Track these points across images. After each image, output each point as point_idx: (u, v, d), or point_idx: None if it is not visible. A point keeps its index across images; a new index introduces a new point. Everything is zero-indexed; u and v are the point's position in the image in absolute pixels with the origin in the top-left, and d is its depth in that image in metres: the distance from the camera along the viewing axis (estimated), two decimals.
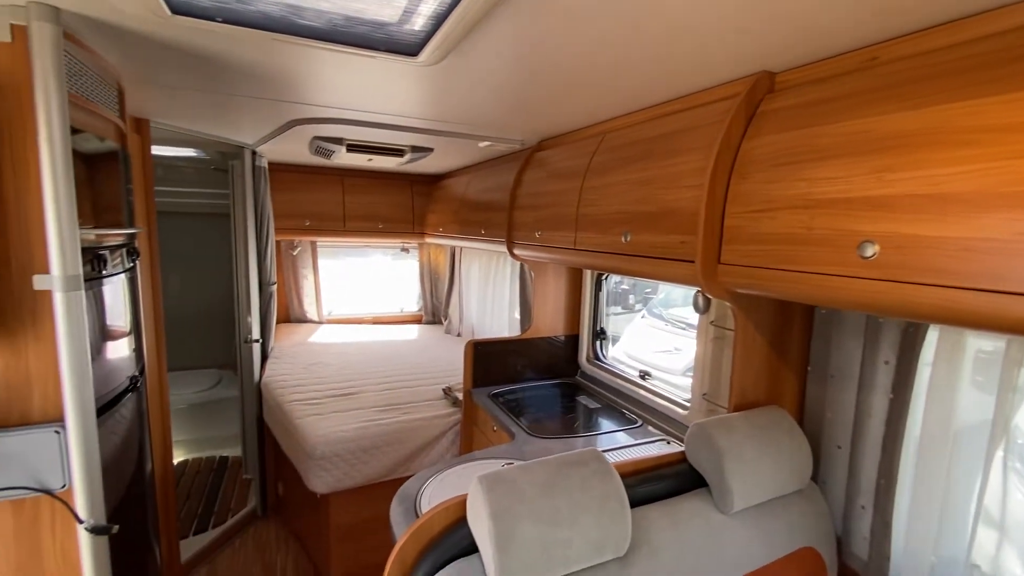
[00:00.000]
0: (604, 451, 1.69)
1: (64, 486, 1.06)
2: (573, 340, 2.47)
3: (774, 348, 1.34)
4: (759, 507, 1.17)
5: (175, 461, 3.35)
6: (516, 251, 2.18)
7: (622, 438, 1.81)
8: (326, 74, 1.37)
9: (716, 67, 1.18)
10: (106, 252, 1.25)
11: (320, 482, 2.07)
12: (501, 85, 1.40)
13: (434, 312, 4.40)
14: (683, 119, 1.35)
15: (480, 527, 0.89)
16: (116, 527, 1.10)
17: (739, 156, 1.16)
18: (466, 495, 0.99)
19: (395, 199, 3.74)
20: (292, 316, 4.00)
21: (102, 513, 1.09)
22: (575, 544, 0.91)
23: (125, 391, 1.36)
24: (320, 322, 4.06)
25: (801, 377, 1.38)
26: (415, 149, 2.49)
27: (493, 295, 3.34)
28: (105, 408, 1.23)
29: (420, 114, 1.80)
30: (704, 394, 1.69)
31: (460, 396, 2.45)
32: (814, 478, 1.31)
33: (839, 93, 1.01)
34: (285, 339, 3.53)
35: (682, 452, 1.22)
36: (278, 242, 3.75)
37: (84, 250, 1.12)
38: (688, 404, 1.79)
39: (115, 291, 1.35)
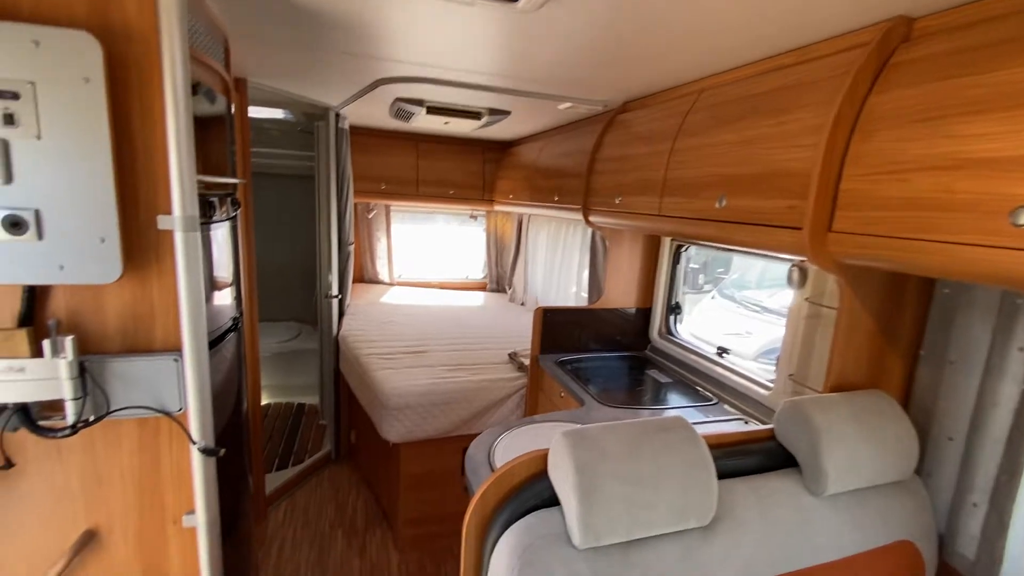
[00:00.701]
0: None
1: (180, 409, 1.17)
2: (644, 313, 2.40)
3: (881, 328, 1.22)
4: (853, 494, 1.09)
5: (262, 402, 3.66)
6: (592, 218, 2.12)
7: (696, 414, 1.75)
8: (421, 26, 1.36)
9: (841, 14, 1.06)
10: (215, 199, 1.33)
11: (393, 431, 2.17)
12: (595, 38, 1.34)
13: (498, 280, 4.43)
14: (796, 73, 1.24)
15: (563, 480, 0.89)
16: (223, 450, 1.20)
17: (863, 112, 1.04)
18: (547, 449, 0.99)
19: (466, 165, 3.75)
20: (365, 276, 4.18)
21: (211, 437, 1.20)
22: (658, 507, 0.90)
23: (228, 330, 1.47)
24: (391, 283, 4.21)
25: (909, 361, 1.26)
26: (492, 112, 2.47)
27: (560, 265, 3.31)
28: (214, 343, 1.34)
29: (505, 71, 1.77)
30: (791, 375, 1.59)
31: (526, 362, 2.47)
32: (917, 470, 1.20)
33: (996, 39, 0.87)
34: (359, 297, 3.70)
35: (770, 429, 1.16)
36: (355, 204, 3.90)
37: (198, 197, 1.20)
38: (771, 384, 1.70)
39: (221, 237, 1.45)
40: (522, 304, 3.93)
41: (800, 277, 1.54)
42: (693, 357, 2.09)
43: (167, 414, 1.16)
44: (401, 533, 2.35)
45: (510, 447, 1.39)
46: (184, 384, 1.15)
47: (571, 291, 3.22)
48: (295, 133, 3.78)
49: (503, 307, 3.87)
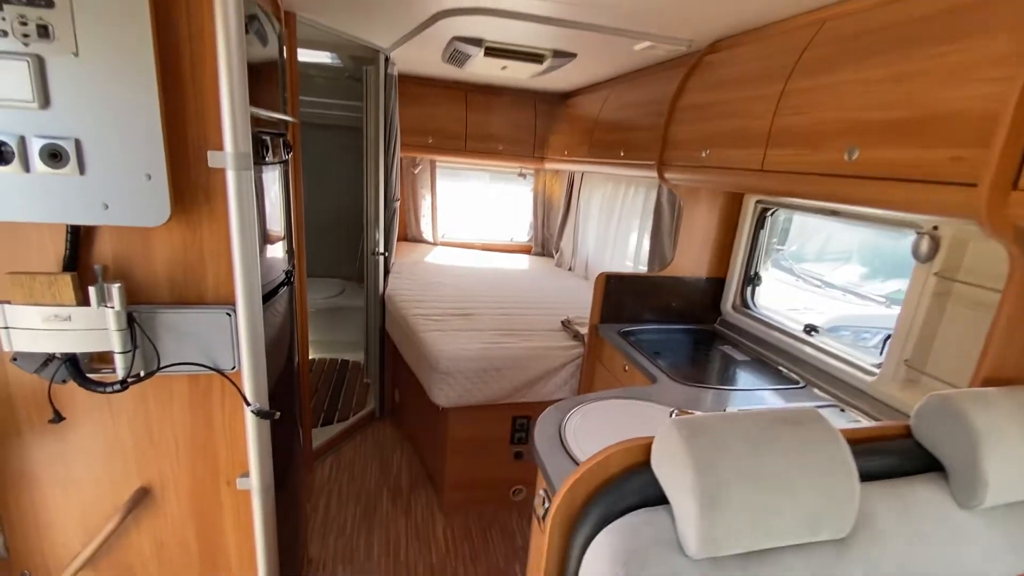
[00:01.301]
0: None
1: (234, 368, 1.08)
2: (716, 284, 2.19)
3: None
4: (1011, 508, 0.91)
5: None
6: (669, 175, 1.90)
7: (780, 398, 1.57)
8: None
9: None
10: (267, 139, 1.20)
11: (442, 395, 2.08)
12: None
13: (544, 244, 4.25)
14: None
15: (676, 477, 0.75)
16: (278, 413, 1.11)
17: None
18: (647, 438, 0.85)
19: (518, 119, 3.52)
20: (409, 235, 4.07)
21: (266, 398, 1.11)
22: (787, 515, 0.74)
23: (282, 284, 1.36)
24: (434, 243, 4.10)
25: None
26: (557, 54, 2.23)
27: (617, 228, 3.09)
28: (267, 297, 1.24)
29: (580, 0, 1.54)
30: (906, 360, 1.38)
31: (581, 330, 2.32)
32: None
33: None
34: (403, 256, 3.60)
35: (905, 425, 0.98)
36: (401, 159, 3.75)
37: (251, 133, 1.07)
38: (875, 370, 1.49)
39: (273, 181, 1.33)
40: (569, 269, 3.75)
41: (930, 248, 1.31)
42: (775, 334, 1.88)
43: (220, 372, 1.07)
44: (447, 497, 2.30)
45: (583, 425, 1.25)
46: (237, 341, 1.05)
47: (627, 257, 3.02)
48: (342, 81, 3.62)
49: (549, 272, 3.70)
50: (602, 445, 1.19)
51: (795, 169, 1.29)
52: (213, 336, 1.05)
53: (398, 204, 3.17)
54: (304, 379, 2.38)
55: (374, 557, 2.07)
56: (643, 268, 2.81)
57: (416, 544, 2.15)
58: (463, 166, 4.02)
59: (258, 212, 1.19)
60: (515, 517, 2.35)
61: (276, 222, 1.38)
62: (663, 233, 2.52)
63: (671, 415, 1.09)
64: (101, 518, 1.13)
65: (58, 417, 1.01)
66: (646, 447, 0.84)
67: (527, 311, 2.70)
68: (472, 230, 4.24)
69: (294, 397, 1.66)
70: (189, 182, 1.00)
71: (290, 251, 1.58)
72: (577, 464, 1.11)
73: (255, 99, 1.14)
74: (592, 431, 1.24)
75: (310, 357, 3.69)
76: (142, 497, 1.15)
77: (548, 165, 3.54)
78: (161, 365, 1.02)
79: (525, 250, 4.30)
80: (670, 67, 2.14)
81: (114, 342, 0.96)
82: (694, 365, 1.80)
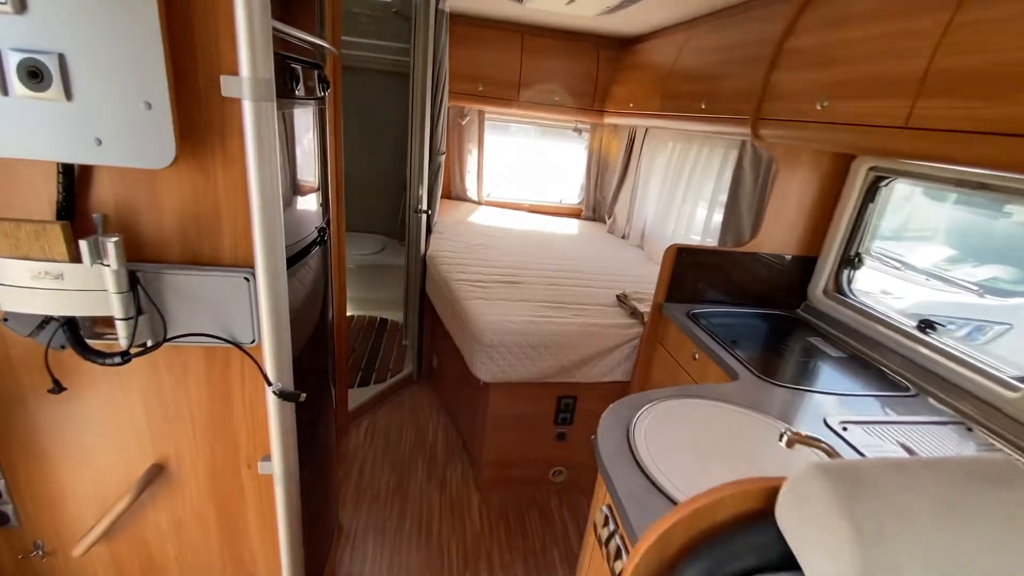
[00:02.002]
0: (863, 424, 1.24)
1: (253, 341, 0.92)
2: (804, 264, 1.89)
3: None
4: None
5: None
6: (766, 130, 1.60)
7: (885, 408, 1.32)
8: None
9: None
10: (298, 69, 0.99)
11: (484, 369, 1.92)
12: None
13: (595, 208, 3.96)
14: None
15: (824, 548, 0.54)
16: (303, 395, 0.96)
17: None
18: (770, 480, 0.64)
19: (577, 67, 3.18)
20: (453, 192, 3.86)
21: (290, 377, 0.95)
22: None
23: (315, 242, 1.19)
24: (479, 202, 3.87)
25: None
26: None
27: (684, 194, 2.78)
28: (298, 256, 1.07)
29: None
30: None
31: (639, 307, 2.08)
32: None
33: None
34: (446, 215, 3.41)
35: None
36: (448, 109, 3.50)
37: (276, 57, 0.87)
38: (1019, 384, 1.21)
39: (306, 122, 1.14)
40: (623, 237, 3.47)
41: None
42: (878, 328, 1.60)
43: (238, 345, 0.91)
44: (483, 473, 2.18)
45: (657, 431, 1.05)
46: (257, 310, 0.88)
47: (693, 229, 2.72)
48: (388, 19, 3.35)
49: (601, 238, 3.43)
50: (683, 461, 0.98)
51: (962, 127, 0.98)
52: (230, 303, 0.89)
53: (443, 158, 2.95)
54: (342, 340, 2.27)
55: (405, 530, 1.98)
56: (711, 241, 2.52)
57: (450, 520, 2.06)
58: (513, 119, 3.73)
59: (286, 157, 1.01)
60: (554, 499, 2.22)
61: (308, 170, 1.20)
62: (741, 203, 2.21)
63: (784, 438, 0.87)
64: (115, 493, 1.03)
65: (57, 387, 0.89)
66: (768, 492, 0.63)
67: (578, 281, 2.47)
68: (519, 190, 3.98)
69: (328, 359, 1.53)
70: (200, 116, 0.82)
71: (325, 204, 1.40)
72: (654, 484, 0.91)
73: (284, 15, 0.93)
74: (669, 441, 1.03)
75: (349, 314, 3.62)
76: (157, 474, 1.04)
77: (608, 120, 3.21)
78: (167, 336, 0.88)
79: (575, 213, 4.03)
80: (772, 1, 1.78)
81: (114, 306, 0.81)
82: (779, 359, 1.55)
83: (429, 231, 2.92)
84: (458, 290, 2.22)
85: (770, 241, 1.86)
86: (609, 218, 3.66)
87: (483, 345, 1.88)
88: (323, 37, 1.23)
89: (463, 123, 3.54)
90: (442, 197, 3.85)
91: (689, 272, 1.85)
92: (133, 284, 0.83)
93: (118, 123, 0.74)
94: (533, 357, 1.92)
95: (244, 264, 0.89)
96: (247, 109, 0.77)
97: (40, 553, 1.07)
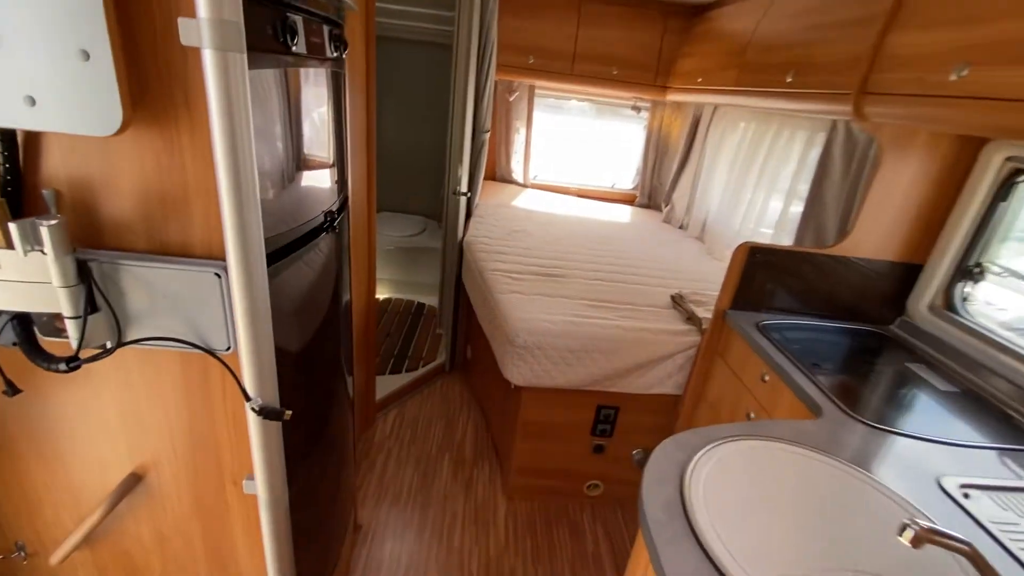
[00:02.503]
0: (991, 490, 0.96)
1: (229, 348, 0.77)
2: (905, 272, 1.57)
3: None
4: None
5: (380, 296, 3.52)
6: (873, 107, 1.29)
7: (1015, 466, 1.02)
8: None
9: None
10: (296, 19, 0.82)
11: (517, 373, 1.74)
12: None
13: (651, 194, 3.65)
14: None
15: None
16: (289, 412, 0.80)
17: None
18: None
19: (639, 37, 2.87)
20: (497, 174, 3.66)
21: (273, 390, 0.80)
22: None
23: (324, 225, 1.03)
24: (524, 185, 3.66)
25: None
26: None
27: (757, 183, 2.45)
28: (298, 243, 0.91)
29: None
30: None
31: (698, 311, 1.83)
32: None
33: None
34: (488, 198, 3.22)
35: None
36: (495, 83, 3.27)
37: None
38: None
39: (315, 86, 0.96)
40: (681, 227, 3.16)
41: None
42: (1002, 358, 1.28)
43: (211, 353, 0.76)
44: (511, 480, 2.02)
45: (720, 487, 0.83)
46: (232, 313, 0.73)
47: (764, 222, 2.39)
48: None
49: (656, 228, 3.14)
50: (756, 532, 0.76)
51: None
52: (201, 303, 0.74)
53: (487, 137, 2.75)
54: (371, 327, 2.16)
55: (426, 536, 1.86)
56: (787, 239, 2.20)
57: (473, 528, 1.91)
58: (566, 95, 3.46)
59: (286, 125, 0.84)
60: (587, 514, 2.03)
61: (317, 143, 1.03)
62: (826, 195, 1.89)
63: (907, 531, 0.63)
64: (92, 500, 0.93)
65: (11, 389, 0.77)
66: None
67: (628, 277, 2.23)
68: (567, 172, 3.73)
69: (342, 349, 1.38)
70: (158, 70, 0.66)
71: (341, 182, 1.24)
72: (716, 568, 0.70)
73: None
74: (736, 500, 0.81)
75: (386, 296, 3.53)
76: (134, 484, 0.92)
77: (672, 96, 2.89)
78: (126, 339, 0.74)
79: (628, 199, 3.73)
80: None
81: (61, 302, 0.68)
82: (871, 389, 1.27)
83: (469, 215, 2.74)
84: (493, 281, 2.03)
85: (865, 243, 1.55)
86: (666, 206, 3.35)
87: (516, 346, 1.70)
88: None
89: (511, 99, 3.31)
90: (484, 178, 3.66)
91: (761, 275, 1.57)
92: (85, 276, 0.69)
93: (52, 78, 0.59)
94: (572, 363, 1.72)
95: (218, 256, 0.74)
96: (208, 60, 0.60)
97: (22, 555, 0.99)
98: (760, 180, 2.42)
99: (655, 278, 2.25)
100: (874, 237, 1.54)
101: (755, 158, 2.45)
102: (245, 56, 0.62)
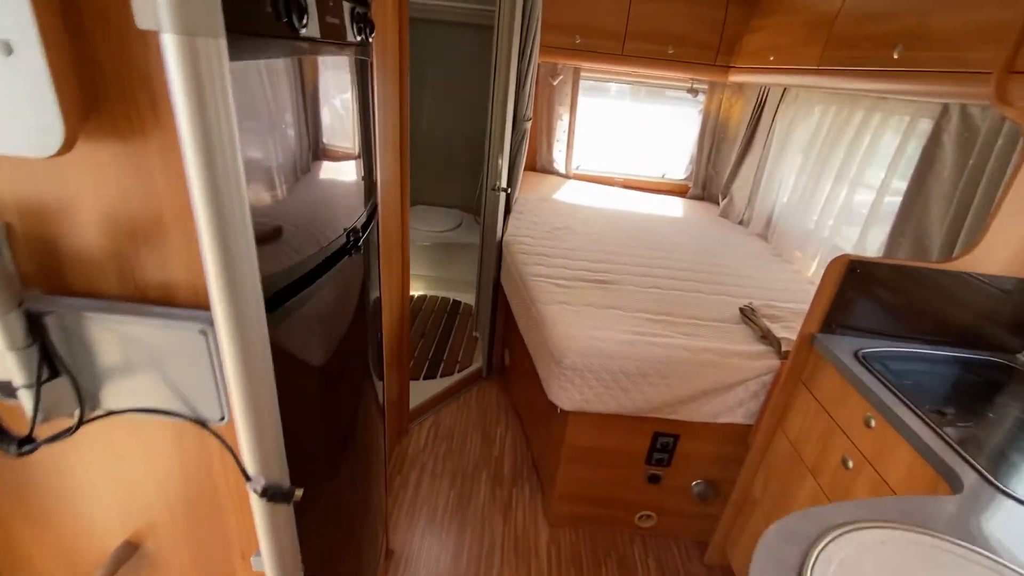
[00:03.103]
0: None
1: (223, 419, 0.61)
2: None
3: None
4: None
5: (414, 294, 3.39)
6: None
7: None
8: None
9: None
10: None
11: (564, 396, 1.55)
12: None
13: (706, 185, 3.35)
14: None
15: None
16: (299, 492, 0.65)
17: None
18: None
19: (700, 11, 2.57)
20: (538, 164, 3.44)
21: (281, 465, 0.64)
22: None
23: (340, 252, 0.86)
24: (567, 176, 3.42)
25: None
26: None
27: (838, 175, 2.14)
28: (306, 281, 0.75)
29: None
30: None
31: (776, 329, 1.58)
32: None
33: None
34: (529, 190, 3.01)
35: None
36: (538, 66, 3.04)
37: None
38: None
39: (332, 79, 0.79)
40: (740, 223, 2.87)
41: None
42: None
43: (202, 424, 0.61)
44: (554, 506, 1.85)
45: None
46: (223, 377, 0.56)
47: (848, 220, 2.09)
48: None
49: (713, 224, 2.86)
50: None
51: None
52: (186, 362, 0.59)
53: (529, 125, 2.53)
54: (403, 332, 2.01)
55: (462, 565, 1.71)
56: (876, 243, 1.90)
57: (513, 558, 1.76)
58: (614, 77, 3.19)
59: (304, 128, 0.67)
60: (638, 547, 1.84)
61: (338, 149, 0.86)
62: (930, 195, 1.60)
63: None
64: (89, 566, 0.81)
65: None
66: None
67: (685, 284, 1.99)
68: (613, 161, 3.47)
69: (369, 351, 1.23)
70: (114, 66, 0.49)
71: (369, 187, 1.07)
72: None
73: None
74: None
75: (420, 294, 3.40)
76: (130, 554, 0.79)
77: (735, 77, 2.59)
78: (87, 416, 0.59)
79: (679, 191, 3.45)
80: None
81: (9, 367, 0.53)
82: (1014, 443, 1.02)
83: (508, 211, 2.55)
84: (536, 289, 1.84)
85: (995, 257, 1.27)
86: (723, 199, 3.06)
87: (563, 368, 1.51)
88: None
89: (554, 83, 3.07)
90: (527, 169, 3.45)
91: (860, 293, 1.32)
92: (38, 333, 0.54)
93: None
94: (627, 387, 1.52)
95: (205, 303, 0.57)
96: (170, 49, 0.42)
97: None
98: (841, 172, 2.12)
99: (717, 284, 2.01)
100: (1008, 247, 1.25)
101: (836, 147, 2.15)
102: (223, 42, 0.44)
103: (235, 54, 0.47)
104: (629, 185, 3.45)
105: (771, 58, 2.19)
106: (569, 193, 3.09)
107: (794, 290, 2.00)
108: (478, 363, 2.69)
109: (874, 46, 1.54)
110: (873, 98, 1.97)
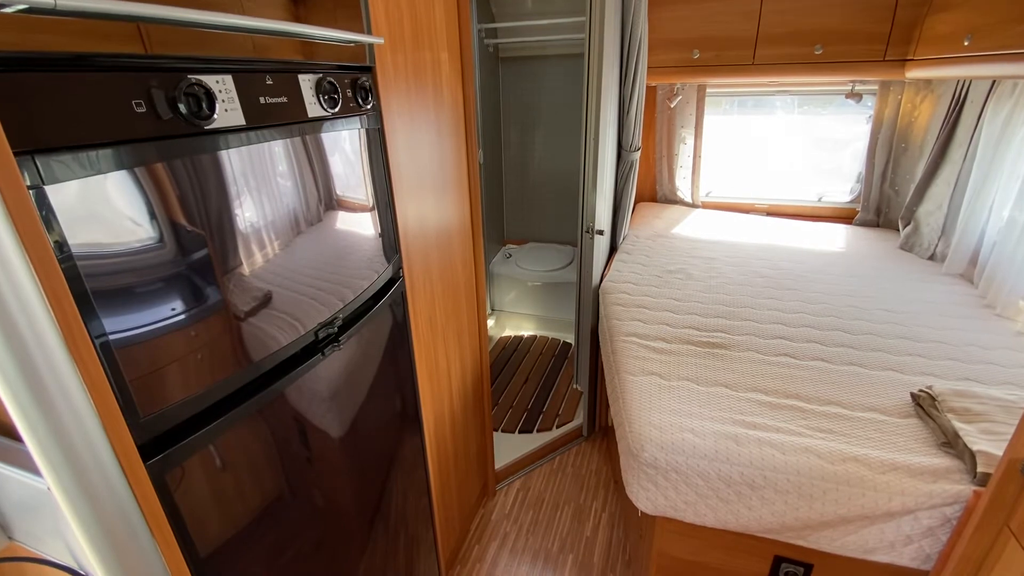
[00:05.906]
0: None
1: None
2: None
3: None
4: None
5: (523, 334, 3.26)
6: None
7: None
8: None
9: None
10: (220, 81, 0.53)
11: (644, 497, 1.24)
12: None
13: (880, 209, 2.64)
14: None
15: None
16: None
17: None
18: None
19: None
20: (659, 194, 3.09)
21: None
22: None
23: (355, 317, 0.74)
24: (693, 205, 3.01)
25: None
26: None
27: None
28: (302, 357, 0.64)
29: None
30: None
31: (965, 431, 1.07)
32: None
33: None
34: (643, 225, 2.69)
35: None
36: (649, 88, 2.75)
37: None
38: None
39: (271, 162, 0.68)
40: (931, 258, 2.17)
41: None
42: None
43: None
44: None
45: None
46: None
47: None
48: None
49: (889, 259, 2.21)
50: None
51: None
52: (43, 529, 0.50)
53: (637, 156, 2.26)
54: (484, 386, 1.88)
55: None
56: None
57: None
58: (748, 90, 2.73)
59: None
60: None
61: (296, 224, 0.75)
62: None
63: None
64: None
65: None
66: None
67: (837, 350, 1.51)
68: (754, 185, 2.95)
69: (391, 441, 1.10)
70: None
71: (393, 249, 0.96)
72: None
73: None
74: None
75: (530, 333, 3.26)
76: None
77: (915, 73, 1.98)
78: None
79: (845, 216, 2.78)
80: None
81: None
82: None
83: (613, 250, 2.28)
84: (623, 353, 1.55)
85: None
86: (905, 226, 2.36)
87: (641, 463, 1.20)
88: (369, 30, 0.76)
89: (672, 105, 2.73)
90: (645, 200, 3.13)
91: None
92: None
93: None
94: (728, 499, 1.15)
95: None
96: None
97: None
98: None
99: (884, 353, 1.48)
100: None
101: None
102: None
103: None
104: (775, 212, 2.89)
105: (967, 43, 1.60)
106: (695, 226, 2.68)
107: (1009, 365, 1.38)
108: (579, 419, 2.43)
109: None
110: None
